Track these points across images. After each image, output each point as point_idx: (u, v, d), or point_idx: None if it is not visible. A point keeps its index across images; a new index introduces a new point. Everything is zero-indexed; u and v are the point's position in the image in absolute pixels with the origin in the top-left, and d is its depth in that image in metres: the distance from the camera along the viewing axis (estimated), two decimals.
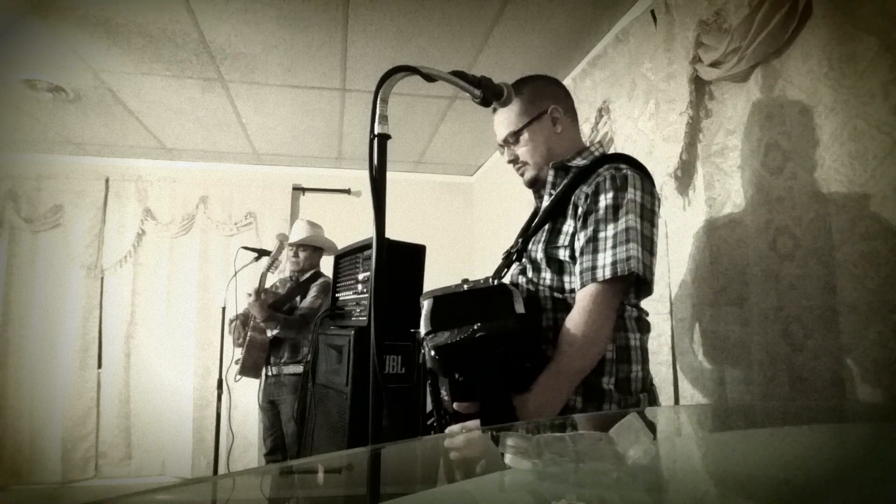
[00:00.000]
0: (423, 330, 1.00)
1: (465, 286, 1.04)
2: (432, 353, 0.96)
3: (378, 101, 0.88)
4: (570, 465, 0.44)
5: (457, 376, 0.96)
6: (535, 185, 1.27)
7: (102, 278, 3.74)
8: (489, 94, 1.05)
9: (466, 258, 4.22)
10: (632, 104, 1.92)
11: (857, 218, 1.09)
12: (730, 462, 0.59)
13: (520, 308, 0.97)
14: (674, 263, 1.67)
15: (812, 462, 0.54)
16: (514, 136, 1.24)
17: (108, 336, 3.71)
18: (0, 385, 3.55)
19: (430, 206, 4.26)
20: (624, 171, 1.08)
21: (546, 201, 1.22)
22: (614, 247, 1.03)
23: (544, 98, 1.23)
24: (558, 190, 1.18)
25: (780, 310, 1.28)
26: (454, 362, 0.95)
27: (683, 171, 1.63)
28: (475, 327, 0.94)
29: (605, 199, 1.07)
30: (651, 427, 0.75)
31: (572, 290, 1.09)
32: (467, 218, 4.34)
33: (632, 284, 1.08)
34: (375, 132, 0.88)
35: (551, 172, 1.23)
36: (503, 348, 0.95)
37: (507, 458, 0.45)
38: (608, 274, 1.01)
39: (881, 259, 1.05)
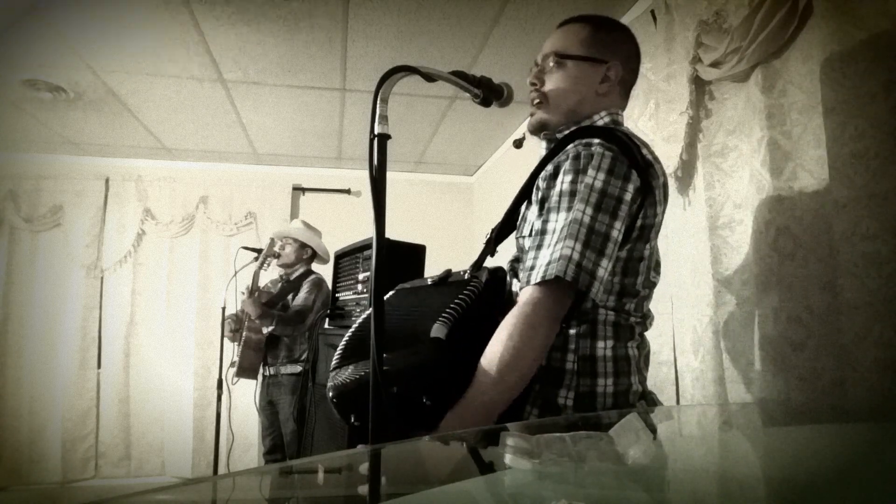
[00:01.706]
0: (333, 362, 0.91)
1: (429, 280, 0.99)
2: (329, 394, 0.86)
3: (378, 101, 0.88)
4: (570, 465, 0.44)
5: (353, 420, 0.86)
6: (540, 132, 1.08)
7: (102, 278, 3.74)
8: (489, 94, 1.04)
9: (466, 258, 4.21)
10: (631, 104, 1.91)
11: (857, 218, 1.09)
12: (730, 462, 0.59)
13: (438, 332, 0.85)
14: (674, 263, 1.67)
15: (812, 462, 0.54)
16: (559, 59, 1.03)
17: (107, 336, 3.70)
18: (0, 385, 3.55)
19: (430, 206, 4.26)
20: (593, 147, 0.90)
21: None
22: (557, 243, 0.86)
23: (617, 50, 1.04)
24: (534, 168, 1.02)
25: (781, 310, 1.28)
26: (349, 405, 0.86)
27: (683, 171, 1.63)
28: (361, 373, 0.85)
29: (560, 184, 0.90)
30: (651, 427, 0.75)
31: None
32: (467, 218, 4.34)
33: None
34: (375, 132, 0.88)
35: (543, 144, 1.06)
36: (404, 385, 0.83)
37: (507, 458, 0.45)
38: (537, 277, 0.85)
39: (882, 259, 1.05)
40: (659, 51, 1.77)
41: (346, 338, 0.96)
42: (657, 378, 1.72)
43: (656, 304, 1.74)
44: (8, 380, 3.56)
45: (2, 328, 3.59)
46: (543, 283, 0.85)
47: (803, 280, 1.23)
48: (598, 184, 0.88)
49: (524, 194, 1.01)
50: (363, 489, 0.53)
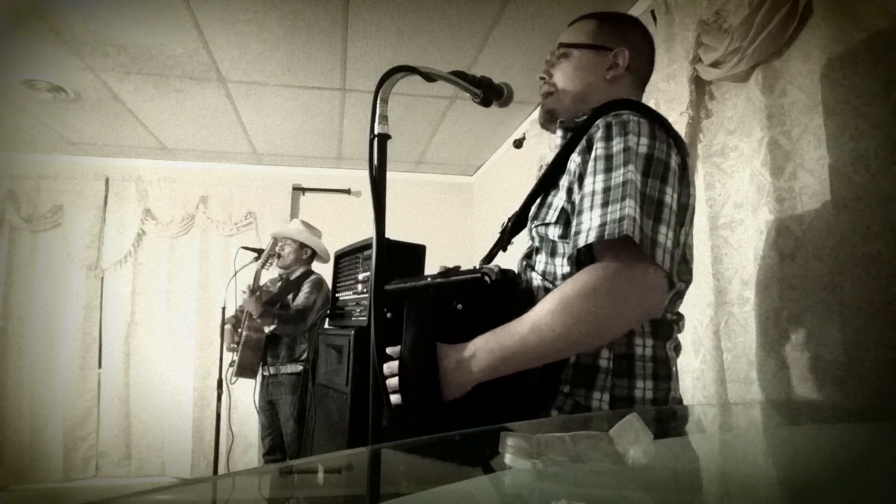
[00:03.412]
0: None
1: (440, 268, 1.01)
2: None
3: (378, 101, 0.88)
4: (570, 465, 0.44)
5: (386, 312, 0.88)
6: (550, 121, 1.06)
7: (102, 278, 3.74)
8: (489, 94, 1.04)
9: (466, 258, 4.22)
10: None
11: (857, 218, 1.09)
12: (730, 462, 0.59)
13: (490, 273, 0.87)
14: None
15: (812, 462, 0.54)
16: (565, 49, 1.03)
17: (108, 336, 3.71)
18: (0, 385, 3.55)
19: (430, 206, 4.26)
20: (624, 116, 0.86)
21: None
22: (605, 204, 0.79)
23: (623, 37, 1.02)
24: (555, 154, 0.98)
25: (781, 310, 1.28)
26: (389, 301, 0.89)
27: None
28: (429, 279, 0.88)
29: (595, 150, 0.84)
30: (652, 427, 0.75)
31: (563, 277, 0.89)
32: (467, 218, 4.34)
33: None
34: (375, 132, 0.88)
35: (559, 132, 1.02)
36: (444, 295, 0.86)
37: (507, 458, 0.45)
38: (592, 237, 0.77)
39: (882, 259, 1.05)
40: (659, 51, 1.76)
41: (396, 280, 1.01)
42: None
43: None
44: (9, 380, 3.56)
45: (2, 328, 3.59)
46: (601, 246, 0.79)
47: (803, 280, 1.23)
48: (643, 148, 0.82)
49: (547, 180, 0.97)
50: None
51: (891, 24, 1.06)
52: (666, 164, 0.83)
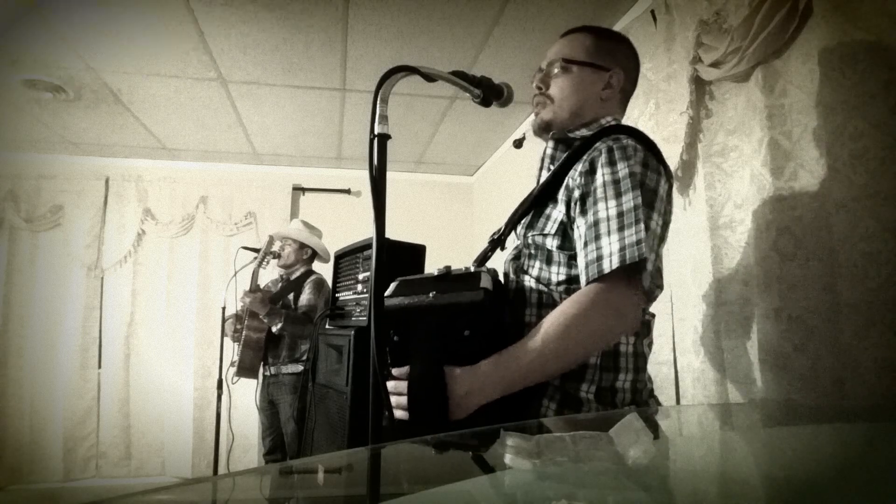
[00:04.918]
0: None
1: (436, 271, 1.02)
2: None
3: (378, 101, 0.88)
4: (570, 465, 0.44)
5: (393, 336, 0.91)
6: (544, 132, 1.11)
7: (102, 278, 3.74)
8: (489, 94, 1.05)
9: (466, 258, 4.21)
10: (632, 104, 1.91)
11: (857, 218, 1.09)
12: (730, 462, 0.59)
13: (485, 283, 0.89)
14: (675, 263, 1.67)
15: (812, 462, 0.54)
16: (565, 64, 1.07)
17: (108, 336, 3.70)
18: (0, 385, 3.55)
19: (430, 206, 4.26)
20: (624, 141, 0.94)
21: (544, 176, 1.08)
22: (620, 229, 0.86)
23: (618, 59, 1.09)
24: (553, 168, 1.04)
25: (781, 310, 1.28)
26: (392, 323, 0.91)
27: (684, 171, 1.63)
28: (430, 295, 0.89)
29: (601, 176, 0.91)
30: (652, 426, 0.75)
31: (559, 283, 0.97)
32: (467, 218, 4.34)
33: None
34: (375, 132, 0.88)
35: (551, 144, 1.09)
36: (450, 318, 0.88)
37: (507, 458, 0.45)
38: (615, 263, 0.85)
39: (882, 259, 1.05)
40: (659, 51, 1.77)
41: (393, 284, 1.00)
42: (658, 378, 1.72)
43: (657, 304, 1.74)
44: (9, 380, 3.56)
45: (2, 328, 3.59)
46: (622, 270, 0.85)
47: (804, 280, 1.23)
48: (638, 175, 0.90)
49: (546, 193, 1.02)
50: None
51: (891, 24, 1.06)
52: (655, 192, 0.92)
